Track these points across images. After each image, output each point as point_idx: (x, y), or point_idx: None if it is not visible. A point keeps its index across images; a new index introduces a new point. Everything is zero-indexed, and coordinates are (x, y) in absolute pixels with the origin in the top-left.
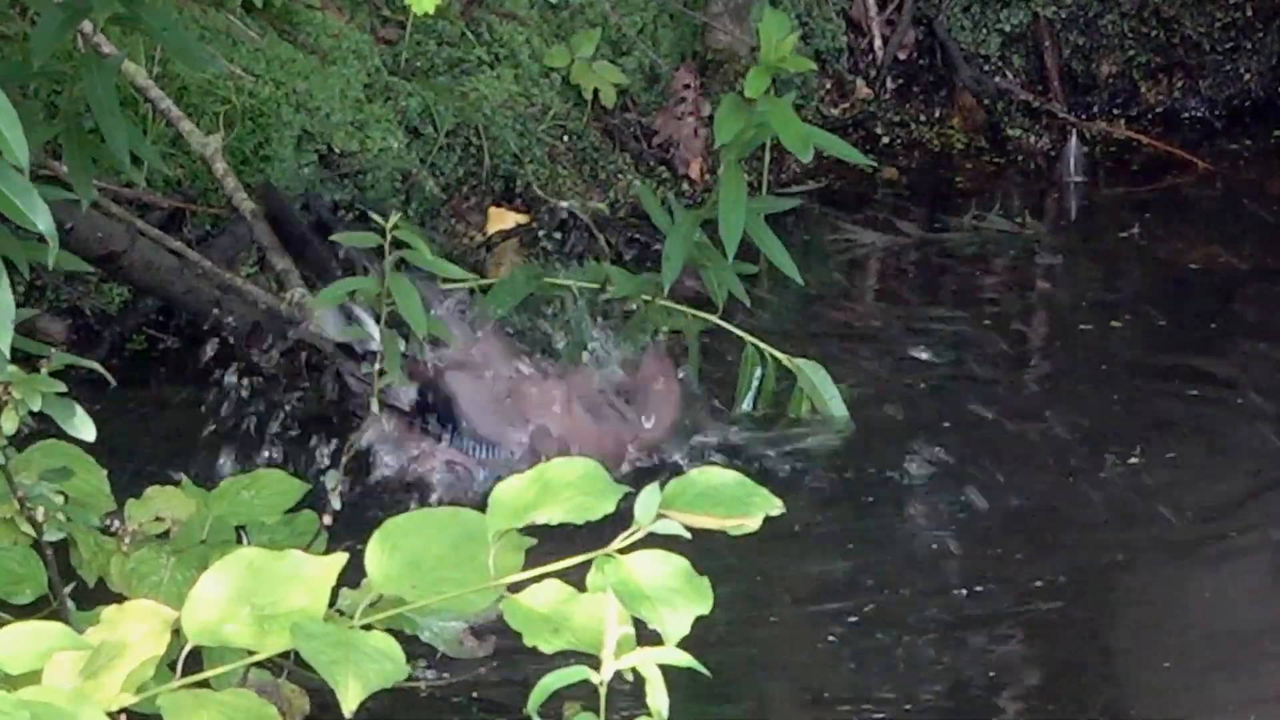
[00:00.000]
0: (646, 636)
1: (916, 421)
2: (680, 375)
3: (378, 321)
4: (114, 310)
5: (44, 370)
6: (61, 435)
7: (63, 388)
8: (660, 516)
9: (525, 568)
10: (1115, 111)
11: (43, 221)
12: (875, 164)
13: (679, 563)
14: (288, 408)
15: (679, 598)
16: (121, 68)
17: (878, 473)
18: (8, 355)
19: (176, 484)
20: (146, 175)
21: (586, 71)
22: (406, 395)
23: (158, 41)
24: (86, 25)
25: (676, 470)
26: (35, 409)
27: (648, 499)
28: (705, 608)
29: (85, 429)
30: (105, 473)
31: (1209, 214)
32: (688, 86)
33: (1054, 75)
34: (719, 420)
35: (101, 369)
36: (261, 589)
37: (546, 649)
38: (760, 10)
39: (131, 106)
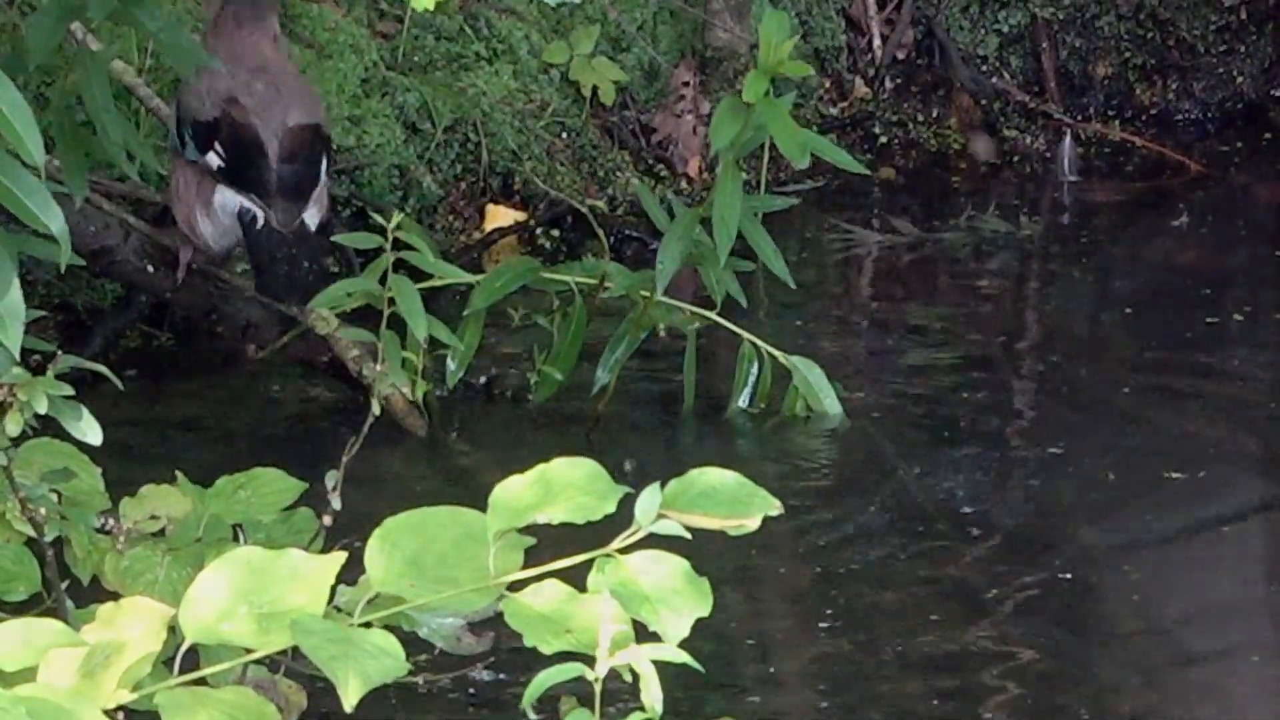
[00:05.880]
0: (644, 629)
1: (911, 420)
2: None
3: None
4: (107, 306)
5: (50, 372)
6: (55, 434)
7: (69, 390)
8: (660, 517)
9: (525, 567)
10: (1110, 113)
11: (55, 223)
12: (869, 171)
13: (679, 563)
14: (284, 405)
15: (679, 599)
16: (111, 66)
17: (871, 470)
18: (17, 356)
19: (172, 482)
20: (139, 170)
21: (585, 68)
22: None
23: (152, 38)
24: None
25: None
26: (41, 411)
27: (648, 499)
28: (705, 610)
29: (92, 433)
30: (99, 470)
31: (1201, 215)
32: (687, 84)
33: (1051, 76)
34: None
35: (110, 374)
36: (260, 588)
37: (547, 650)
38: (760, 8)
39: (123, 100)
